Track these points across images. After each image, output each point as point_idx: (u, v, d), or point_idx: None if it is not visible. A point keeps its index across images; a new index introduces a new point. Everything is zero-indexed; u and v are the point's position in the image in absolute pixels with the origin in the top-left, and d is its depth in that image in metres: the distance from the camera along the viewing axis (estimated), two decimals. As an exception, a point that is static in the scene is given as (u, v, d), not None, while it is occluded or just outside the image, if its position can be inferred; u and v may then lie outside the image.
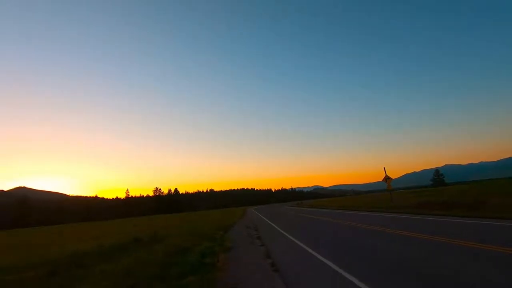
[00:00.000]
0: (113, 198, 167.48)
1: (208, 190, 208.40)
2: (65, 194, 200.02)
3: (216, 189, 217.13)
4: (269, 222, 22.24)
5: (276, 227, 17.14)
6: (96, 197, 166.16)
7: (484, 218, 11.96)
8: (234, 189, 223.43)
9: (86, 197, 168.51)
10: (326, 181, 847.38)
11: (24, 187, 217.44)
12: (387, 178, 25.23)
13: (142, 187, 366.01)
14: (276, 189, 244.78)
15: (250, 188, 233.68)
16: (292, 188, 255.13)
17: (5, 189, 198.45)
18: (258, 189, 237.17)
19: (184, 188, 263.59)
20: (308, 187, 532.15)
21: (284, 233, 13.88)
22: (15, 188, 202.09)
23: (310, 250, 8.58)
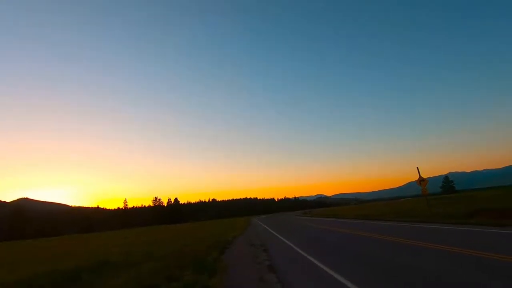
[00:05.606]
0: (113, 209, 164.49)
1: (210, 200, 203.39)
2: (67, 205, 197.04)
3: (218, 199, 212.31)
4: (281, 238, 16.84)
5: (295, 248, 11.45)
6: (98, 207, 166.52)
7: None
8: (236, 199, 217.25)
9: (87, 207, 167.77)
10: (329, 190, 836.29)
11: (26, 198, 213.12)
12: (421, 180, 20.72)
13: (142, 197, 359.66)
14: (279, 198, 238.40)
15: (252, 198, 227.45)
16: (295, 197, 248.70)
17: (8, 200, 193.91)
18: (261, 198, 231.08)
19: (186, 198, 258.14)
20: (311, 196, 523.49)
21: (315, 261, 8.08)
22: (17, 200, 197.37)
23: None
